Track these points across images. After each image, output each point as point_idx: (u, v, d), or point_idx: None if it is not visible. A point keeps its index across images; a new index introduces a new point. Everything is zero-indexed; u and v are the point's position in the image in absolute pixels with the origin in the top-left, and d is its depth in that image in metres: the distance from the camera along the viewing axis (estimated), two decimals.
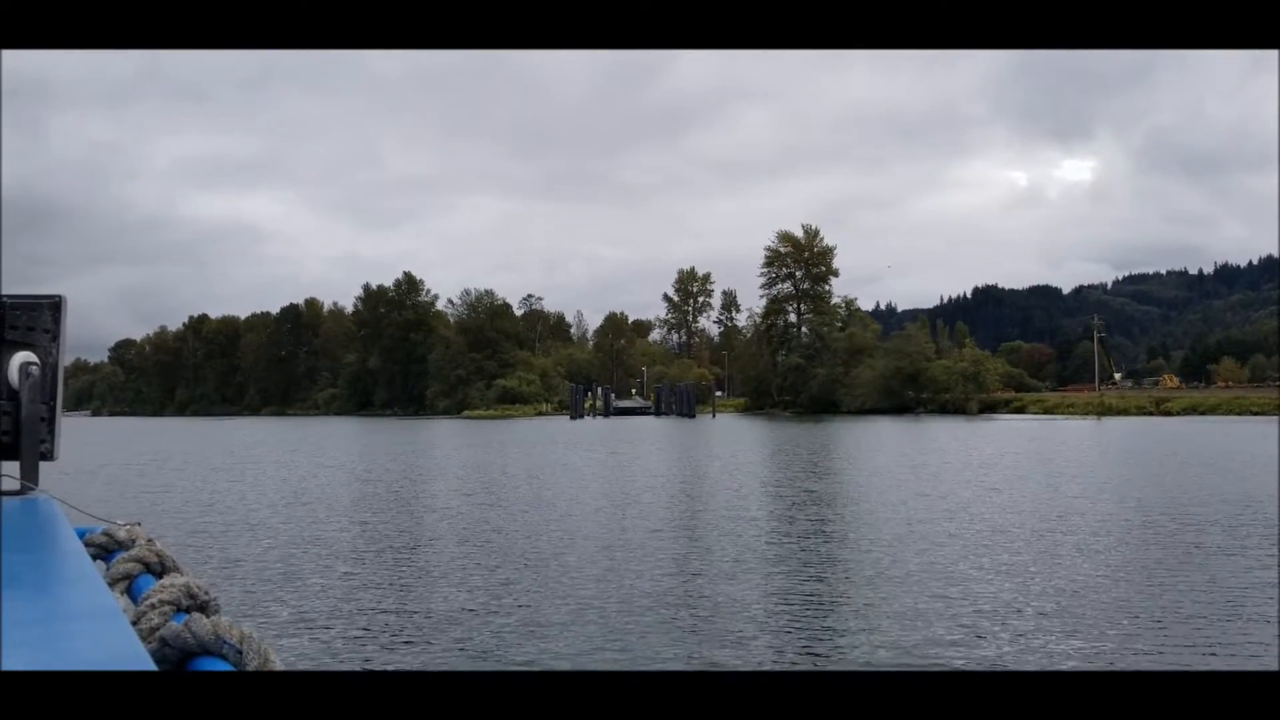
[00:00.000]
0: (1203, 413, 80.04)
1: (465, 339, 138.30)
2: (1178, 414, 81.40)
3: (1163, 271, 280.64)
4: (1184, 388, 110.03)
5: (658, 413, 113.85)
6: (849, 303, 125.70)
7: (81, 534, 1.87)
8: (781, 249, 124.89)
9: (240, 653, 1.24)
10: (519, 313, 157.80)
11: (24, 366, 2.19)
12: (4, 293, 2.32)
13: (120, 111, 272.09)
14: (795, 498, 23.54)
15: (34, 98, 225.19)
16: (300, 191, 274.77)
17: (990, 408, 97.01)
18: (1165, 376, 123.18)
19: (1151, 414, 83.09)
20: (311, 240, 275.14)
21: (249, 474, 32.82)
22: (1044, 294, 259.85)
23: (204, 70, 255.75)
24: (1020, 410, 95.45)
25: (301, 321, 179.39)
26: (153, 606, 1.38)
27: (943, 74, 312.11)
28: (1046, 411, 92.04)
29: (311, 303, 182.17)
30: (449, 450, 47.71)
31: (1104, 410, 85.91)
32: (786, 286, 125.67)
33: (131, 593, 1.63)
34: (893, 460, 35.64)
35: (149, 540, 1.82)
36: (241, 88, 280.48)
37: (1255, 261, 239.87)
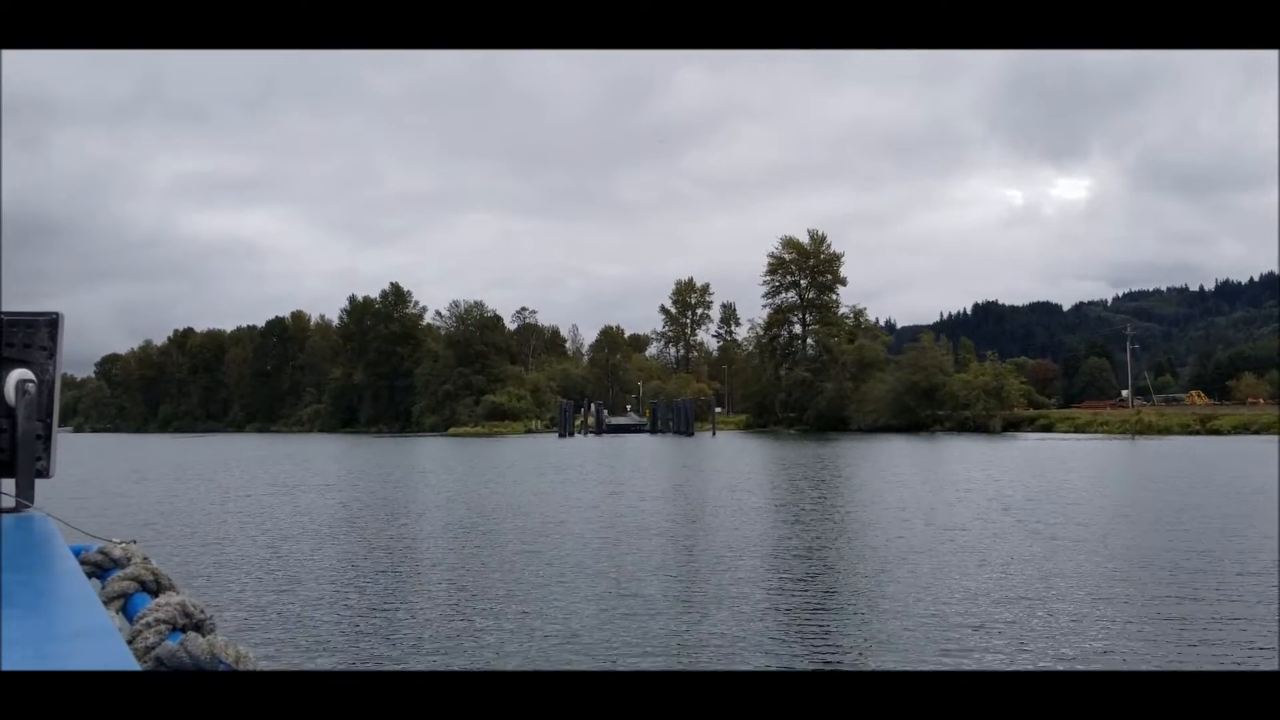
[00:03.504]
0: (1255, 431, 72.73)
1: (454, 353, 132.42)
2: (1228, 433, 74.29)
3: (1163, 288, 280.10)
4: (1212, 404, 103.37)
5: (654, 430, 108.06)
6: (858, 313, 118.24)
7: (77, 552, 1.89)
8: (785, 256, 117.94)
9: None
10: (512, 327, 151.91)
11: (20, 384, 2.20)
12: (2, 309, 2.32)
13: (120, 129, 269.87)
14: (820, 540, 19.79)
15: (34, 114, 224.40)
16: (299, 209, 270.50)
17: (1013, 425, 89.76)
18: (1194, 393, 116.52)
19: (1198, 433, 75.97)
20: (310, 257, 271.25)
21: (242, 493, 32.64)
22: (1044, 310, 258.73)
23: (204, 88, 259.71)
24: (1047, 428, 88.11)
25: (287, 335, 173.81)
26: (148, 625, 1.38)
27: (938, 93, 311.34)
28: (1078, 429, 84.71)
29: (298, 316, 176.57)
30: (401, 476, 43.09)
31: (1143, 428, 78.74)
32: (791, 296, 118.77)
33: (127, 611, 1.65)
34: (924, 486, 31.76)
35: (145, 558, 1.84)
36: (241, 106, 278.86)
37: (1256, 278, 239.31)
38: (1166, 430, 78.15)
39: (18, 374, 2.19)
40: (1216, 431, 75.95)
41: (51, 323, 2.30)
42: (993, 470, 39.55)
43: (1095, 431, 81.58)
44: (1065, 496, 27.78)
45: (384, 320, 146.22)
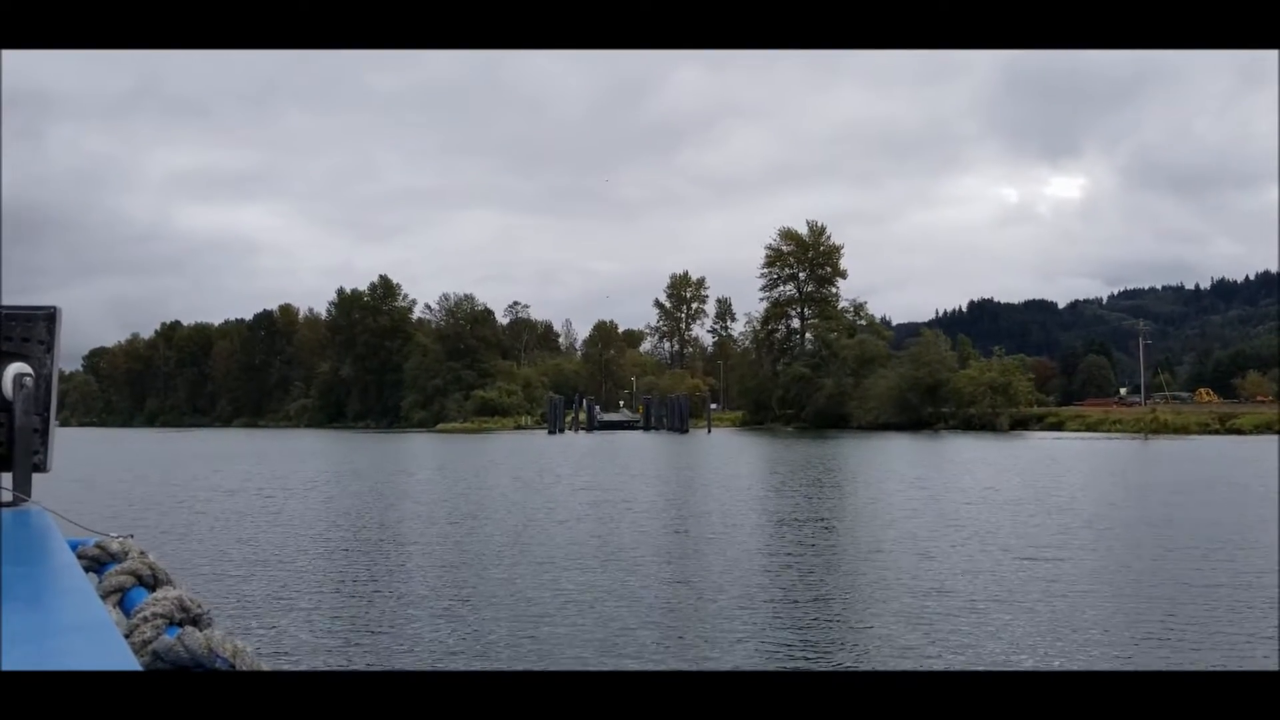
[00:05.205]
0: (1278, 431, 69.42)
1: (443, 347, 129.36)
2: (1250, 432, 71.04)
3: (1158, 287, 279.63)
4: (1223, 401, 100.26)
5: (647, 427, 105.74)
6: (858, 307, 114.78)
7: (74, 546, 1.91)
8: (784, 247, 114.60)
9: (233, 666, 1.27)
10: (504, 321, 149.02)
11: (18, 378, 2.23)
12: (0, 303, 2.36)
13: (117, 123, 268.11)
14: (823, 543, 19.24)
15: (32, 108, 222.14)
16: (296, 205, 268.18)
17: (1021, 424, 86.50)
18: (1201, 391, 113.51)
19: (1217, 432, 72.74)
20: (307, 253, 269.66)
21: (237, 489, 32.68)
22: (1040, 308, 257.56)
23: (202, 84, 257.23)
24: (1057, 426, 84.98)
25: (275, 329, 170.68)
26: (145, 620, 1.38)
27: (934, 92, 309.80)
28: (1089, 428, 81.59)
29: (286, 309, 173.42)
30: (381, 475, 41.12)
31: (1159, 427, 75.57)
32: (789, 289, 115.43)
33: (124, 606, 1.65)
34: (948, 491, 29.99)
35: (142, 553, 1.85)
36: (240, 102, 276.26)
37: (1252, 277, 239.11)
38: (1183, 429, 75.07)
39: (15, 368, 2.19)
40: (1238, 431, 72.80)
41: (49, 317, 2.29)
42: (1011, 472, 37.42)
43: (1108, 430, 78.64)
44: (1107, 506, 25.65)
45: (372, 313, 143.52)
